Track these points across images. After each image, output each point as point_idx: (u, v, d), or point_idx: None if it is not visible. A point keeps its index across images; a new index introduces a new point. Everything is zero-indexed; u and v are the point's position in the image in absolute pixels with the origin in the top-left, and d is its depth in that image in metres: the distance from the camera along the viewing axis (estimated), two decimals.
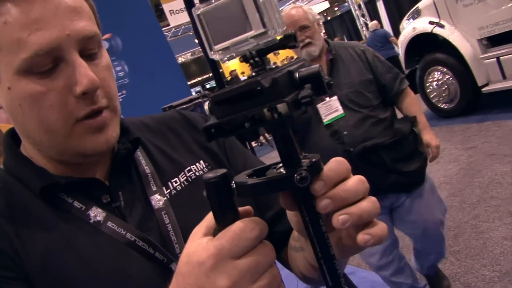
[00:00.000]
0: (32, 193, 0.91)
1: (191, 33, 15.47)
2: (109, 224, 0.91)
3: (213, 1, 0.57)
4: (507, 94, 7.21)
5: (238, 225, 0.60)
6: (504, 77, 6.89)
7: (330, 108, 2.82)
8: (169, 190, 1.00)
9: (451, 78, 7.67)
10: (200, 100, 3.33)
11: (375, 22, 13.32)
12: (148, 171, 1.01)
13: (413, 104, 3.08)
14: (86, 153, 0.89)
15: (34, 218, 0.90)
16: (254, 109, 0.55)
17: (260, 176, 0.64)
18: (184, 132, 1.12)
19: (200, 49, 21.56)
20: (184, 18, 13.78)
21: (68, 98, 0.84)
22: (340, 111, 2.82)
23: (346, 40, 17.90)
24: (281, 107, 0.53)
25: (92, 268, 0.87)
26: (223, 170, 0.63)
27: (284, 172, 0.61)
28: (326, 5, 28.79)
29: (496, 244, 3.84)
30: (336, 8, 29.67)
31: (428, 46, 8.00)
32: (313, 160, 0.62)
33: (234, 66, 20.76)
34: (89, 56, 0.87)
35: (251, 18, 0.56)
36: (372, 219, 0.63)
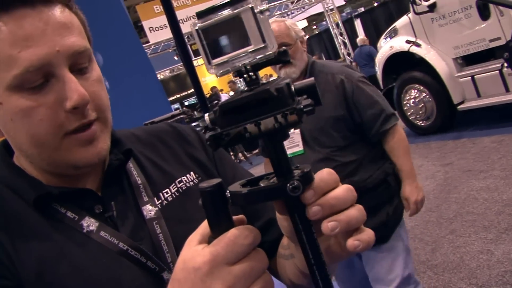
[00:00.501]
0: (26, 203, 0.92)
1: (170, 50, 15.49)
2: (102, 233, 0.92)
3: (211, 16, 0.60)
4: (482, 111, 7.37)
5: (233, 232, 0.62)
6: (479, 95, 7.06)
7: (292, 141, 2.58)
8: (160, 201, 1.02)
9: (427, 96, 7.81)
10: (182, 116, 3.35)
11: (362, 38, 13.47)
12: (139, 182, 1.02)
13: (397, 147, 2.61)
14: (77, 165, 0.90)
15: (28, 227, 0.90)
16: (263, 116, 0.58)
17: (253, 186, 0.66)
18: (175, 144, 1.14)
19: (180, 66, 21.58)
20: (163, 35, 13.81)
21: (58, 112, 0.85)
22: (300, 147, 2.56)
23: (324, 59, 18.07)
24: (291, 116, 0.57)
25: (86, 277, 0.87)
26: (218, 180, 0.65)
27: (277, 182, 0.64)
28: (305, 23, 29.11)
29: (473, 258, 3.92)
30: (314, 27, 29.99)
31: (405, 64, 8.16)
32: (305, 170, 0.64)
33: (213, 83, 20.82)
34: (79, 70, 0.88)
35: (251, 33, 0.59)
36: (359, 225, 0.66)
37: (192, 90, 24.46)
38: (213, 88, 17.24)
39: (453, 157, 6.59)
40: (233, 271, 0.60)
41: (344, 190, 0.66)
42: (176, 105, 22.62)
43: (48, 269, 0.86)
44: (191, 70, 2.90)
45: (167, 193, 1.04)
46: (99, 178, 1.01)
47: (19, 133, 0.87)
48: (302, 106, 0.58)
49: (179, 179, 1.07)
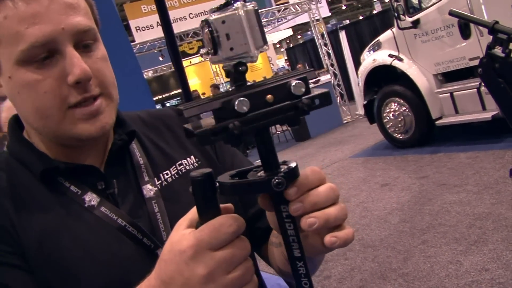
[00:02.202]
0: (33, 176, 0.97)
1: (156, 51, 15.47)
2: (103, 209, 0.97)
3: (226, 11, 0.64)
4: (459, 128, 7.54)
5: (218, 220, 0.66)
6: (457, 111, 7.22)
7: None
8: (160, 181, 1.06)
9: (407, 110, 7.95)
10: None
11: None
12: (141, 162, 1.07)
13: None
14: (81, 138, 0.94)
15: (34, 199, 0.96)
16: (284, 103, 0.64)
17: (242, 178, 0.70)
18: (178, 128, 1.18)
19: (164, 67, 21.52)
20: (150, 35, 13.81)
21: (62, 86, 0.89)
22: None
23: (307, 67, 18.16)
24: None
25: (85, 249, 0.92)
26: (209, 170, 0.68)
27: (263, 176, 0.68)
28: (290, 32, 29.28)
29: (442, 267, 4.03)
30: (299, 36, 30.16)
31: (386, 78, 8.30)
32: (291, 166, 0.68)
33: (195, 87, 20.77)
34: (84, 48, 0.93)
35: (255, 34, 0.64)
36: (339, 223, 0.70)
37: (174, 92, 24.39)
38: (193, 91, 17.22)
39: (429, 171, 6.73)
40: (215, 256, 0.66)
41: (326, 189, 0.70)
42: (158, 106, 22.43)
43: (49, 240, 0.92)
44: (179, 69, 2.95)
45: (167, 174, 1.08)
46: (103, 157, 1.05)
47: (25, 105, 0.93)
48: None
49: (180, 162, 1.11)
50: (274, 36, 28.15)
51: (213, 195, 0.69)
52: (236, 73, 0.66)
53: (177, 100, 23.55)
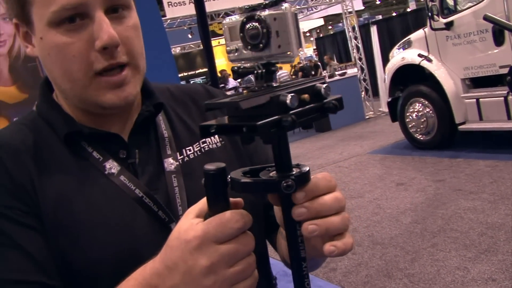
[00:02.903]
0: (57, 138, 0.98)
1: (185, 27, 15.47)
2: (122, 177, 0.97)
3: (276, 9, 0.64)
4: (482, 135, 7.47)
5: (226, 215, 0.68)
6: (481, 118, 7.14)
7: None
8: (182, 156, 1.06)
9: (431, 112, 7.90)
10: None
11: None
12: (166, 135, 1.07)
13: None
14: (104, 106, 0.94)
15: (55, 161, 0.96)
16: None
17: (254, 175, 0.72)
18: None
19: (192, 45, 21.52)
20: (181, 11, 13.81)
21: (90, 51, 0.90)
22: None
23: (335, 60, 18.03)
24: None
25: (100, 216, 0.93)
26: (222, 164, 0.70)
27: (275, 177, 0.70)
28: (321, 22, 29.08)
29: (449, 272, 4.03)
30: (330, 27, 29.93)
31: (413, 77, 8.22)
32: (303, 170, 0.69)
33: (222, 67, 20.77)
34: (115, 15, 0.92)
35: (297, 35, 0.66)
36: (340, 232, 0.71)
37: (200, 70, 24.46)
38: (222, 71, 17.16)
39: (446, 175, 6.69)
40: (219, 249, 0.68)
41: (332, 198, 0.71)
42: (182, 83, 22.36)
43: (64, 204, 0.93)
44: (208, 49, 2.96)
45: (190, 150, 1.08)
46: (128, 126, 1.05)
47: (54, 67, 0.94)
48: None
49: (204, 139, 1.11)
50: (305, 24, 27.99)
51: (223, 189, 0.70)
52: (268, 73, 0.68)
53: (202, 78, 23.55)
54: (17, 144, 0.96)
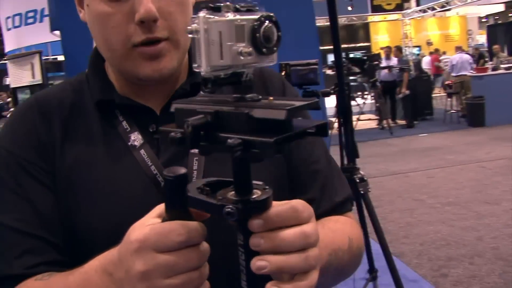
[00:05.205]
0: (93, 102, 1.02)
1: None
2: (142, 152, 0.98)
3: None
4: None
5: (170, 225, 0.66)
6: None
7: None
8: None
9: None
10: (315, 66, 3.33)
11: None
12: None
13: None
14: (139, 77, 0.95)
15: (85, 124, 1.00)
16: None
17: (214, 189, 0.68)
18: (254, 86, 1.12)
19: (354, 17, 21.19)
20: None
21: (129, 23, 0.91)
22: None
23: (505, 52, 16.69)
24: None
25: (112, 186, 0.96)
26: (183, 171, 0.66)
27: (219, 199, 0.64)
28: (501, 8, 26.88)
29: None
30: (510, 14, 27.58)
31: None
32: (262, 197, 0.63)
33: (384, 43, 20.24)
34: None
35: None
36: (296, 273, 0.64)
37: (361, 44, 24.06)
38: (386, 48, 16.00)
39: None
40: (156, 258, 0.65)
41: (296, 233, 0.64)
42: (330, 56, 22.16)
43: (82, 168, 0.96)
44: (334, 27, 2.87)
45: None
46: (164, 101, 1.04)
47: (97, 35, 0.97)
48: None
49: None
50: (482, 8, 26.13)
51: (180, 197, 0.67)
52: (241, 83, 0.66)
53: (362, 52, 23.13)
54: (54, 104, 1.02)
